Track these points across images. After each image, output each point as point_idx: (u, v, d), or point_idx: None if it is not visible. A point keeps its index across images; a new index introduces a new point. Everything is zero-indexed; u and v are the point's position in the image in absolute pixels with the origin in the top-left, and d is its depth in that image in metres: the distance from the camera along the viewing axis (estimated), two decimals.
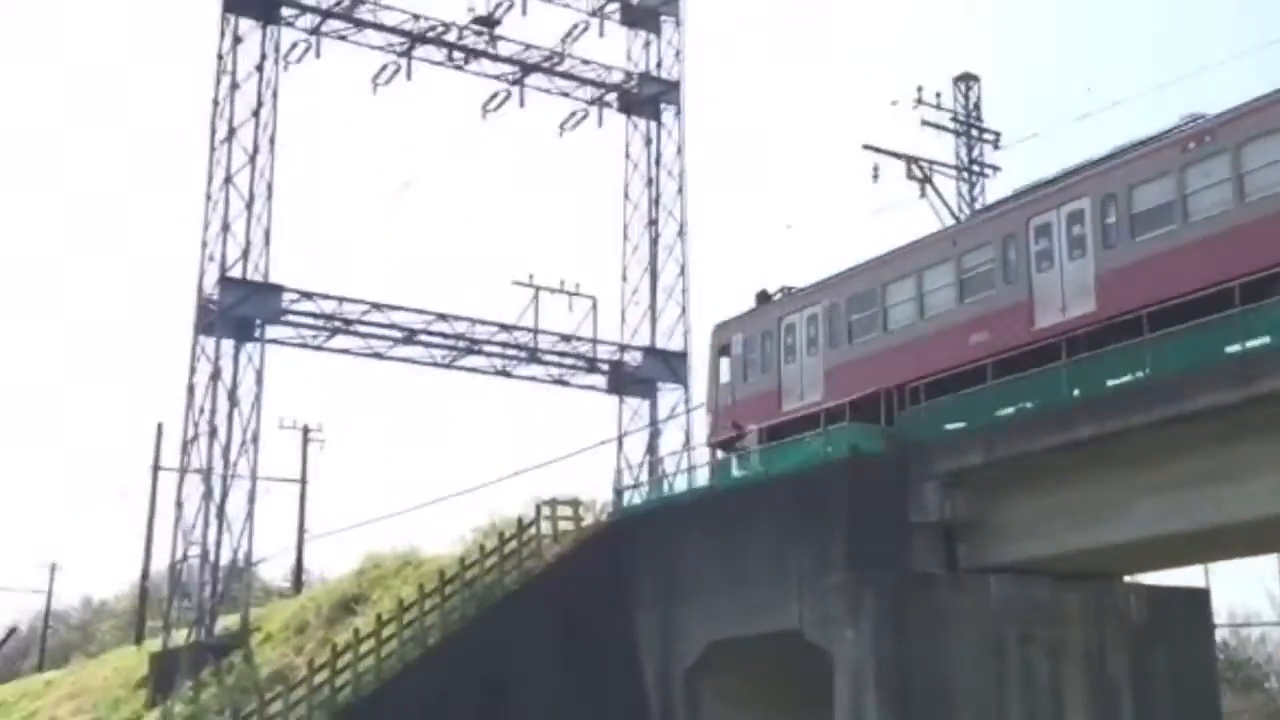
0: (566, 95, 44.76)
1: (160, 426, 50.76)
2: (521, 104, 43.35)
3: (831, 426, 27.36)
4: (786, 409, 30.21)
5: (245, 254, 37.85)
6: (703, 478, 30.82)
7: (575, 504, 33.33)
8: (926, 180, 37.88)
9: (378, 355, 41.11)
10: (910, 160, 38.14)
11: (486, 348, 41.81)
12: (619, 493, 32.04)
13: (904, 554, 26.14)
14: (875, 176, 37.77)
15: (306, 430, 61.41)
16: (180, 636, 36.43)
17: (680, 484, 30.57)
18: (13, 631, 69.91)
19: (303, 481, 59.47)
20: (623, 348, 43.72)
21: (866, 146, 37.90)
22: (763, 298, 32.96)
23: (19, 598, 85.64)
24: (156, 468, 50.42)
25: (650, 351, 43.40)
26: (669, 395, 43.36)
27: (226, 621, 36.68)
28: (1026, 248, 25.81)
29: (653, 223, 45.66)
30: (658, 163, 46.04)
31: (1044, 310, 25.36)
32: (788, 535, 27.35)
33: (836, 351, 29.44)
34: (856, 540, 26.10)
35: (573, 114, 45.10)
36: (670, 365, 43.42)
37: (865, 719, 24.89)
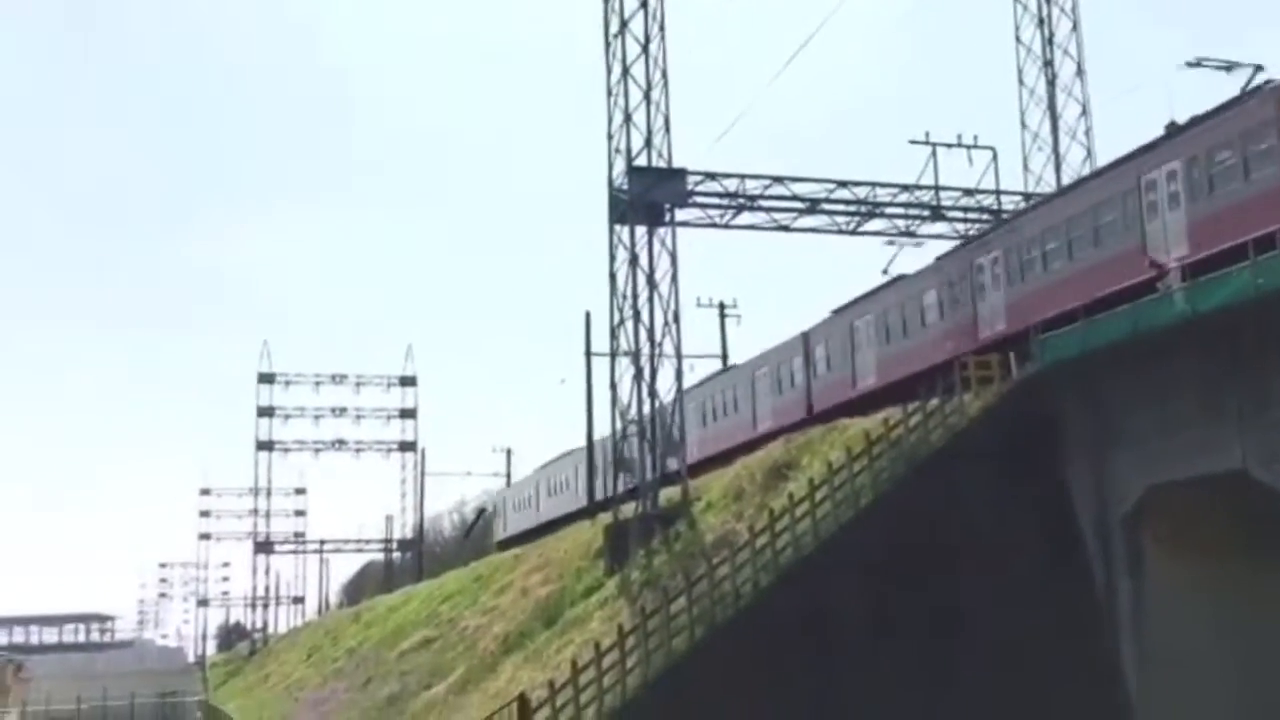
0: None
1: (588, 315, 52.94)
2: None
3: (1261, 256, 25.34)
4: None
5: (648, 142, 38.62)
6: (1126, 321, 29.28)
7: (994, 357, 32.47)
8: None
9: (783, 228, 41.33)
10: None
11: (888, 210, 41.22)
12: (1039, 341, 30.90)
13: None
14: None
15: (723, 307, 62.72)
16: (628, 509, 38.24)
17: (1102, 329, 29.13)
18: (482, 513, 75.36)
19: (724, 356, 60.90)
20: (1028, 196, 42.06)
21: None
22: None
23: (483, 481, 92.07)
24: (589, 354, 52.67)
25: None
26: None
27: (668, 493, 38.15)
28: None
29: (1048, 64, 43.49)
30: (1049, 1, 43.65)
31: None
32: (1223, 372, 25.74)
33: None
34: None
35: None
36: None
37: None
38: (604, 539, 38.81)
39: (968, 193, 41.32)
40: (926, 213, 41.33)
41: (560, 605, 38.15)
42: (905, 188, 40.92)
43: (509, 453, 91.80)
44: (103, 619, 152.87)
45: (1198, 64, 30.42)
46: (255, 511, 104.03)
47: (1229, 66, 29.63)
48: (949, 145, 41.10)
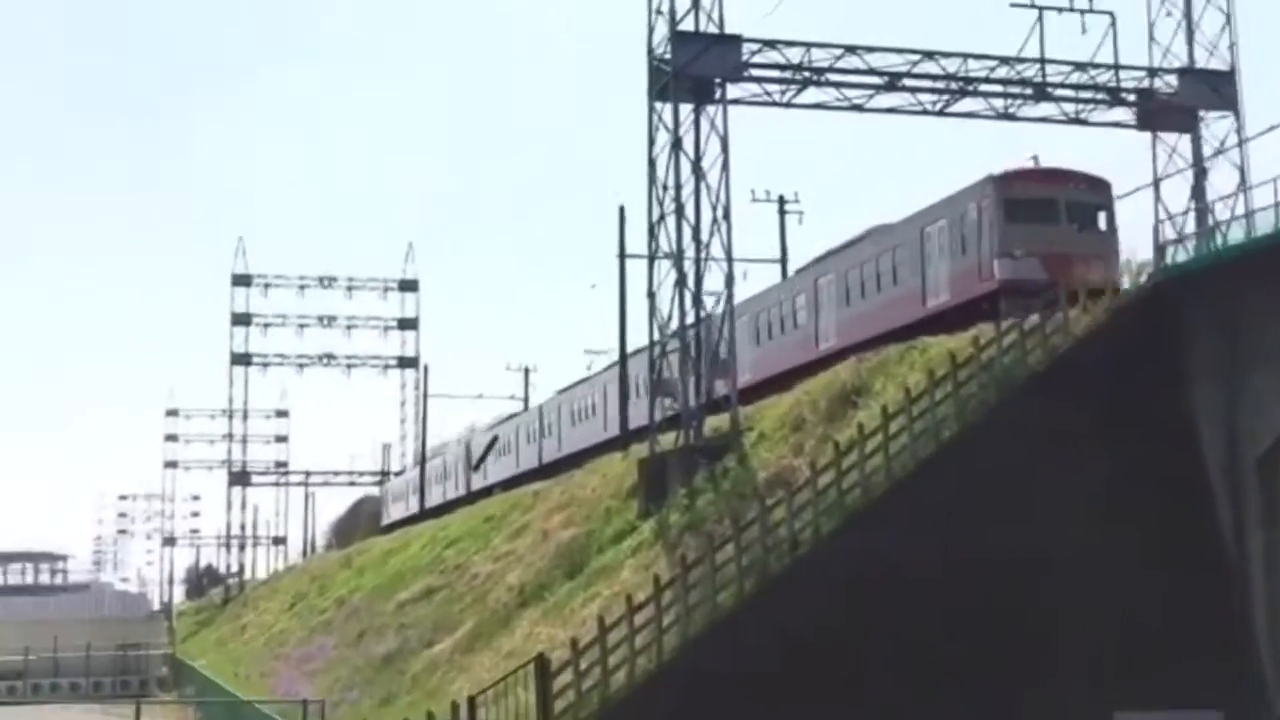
0: None
1: (622, 209, 52.42)
2: None
3: None
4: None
5: (696, 2, 38.02)
6: (1266, 222, 28.89)
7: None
8: None
9: (856, 107, 40.77)
10: None
11: (984, 87, 40.59)
12: (1160, 249, 30.49)
13: None
14: None
15: (782, 201, 62.18)
16: (667, 440, 38.12)
17: (1237, 233, 28.73)
18: (494, 442, 75.23)
19: (783, 261, 60.57)
20: (1152, 72, 41.25)
21: None
22: None
23: (497, 405, 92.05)
24: (623, 255, 52.11)
25: (1188, 73, 40.69)
26: (1216, 126, 40.72)
27: (715, 421, 38.00)
28: None
29: None
30: None
31: None
32: None
33: None
34: None
35: None
36: (1215, 88, 40.55)
37: None
38: (638, 475, 38.77)
39: (1080, 67, 40.50)
40: (1029, 91, 40.58)
41: (586, 551, 38.24)
42: (1004, 60, 40.15)
43: (526, 372, 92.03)
44: (54, 558, 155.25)
45: None
46: (230, 437, 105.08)
47: None
48: (1059, 9, 40.26)
